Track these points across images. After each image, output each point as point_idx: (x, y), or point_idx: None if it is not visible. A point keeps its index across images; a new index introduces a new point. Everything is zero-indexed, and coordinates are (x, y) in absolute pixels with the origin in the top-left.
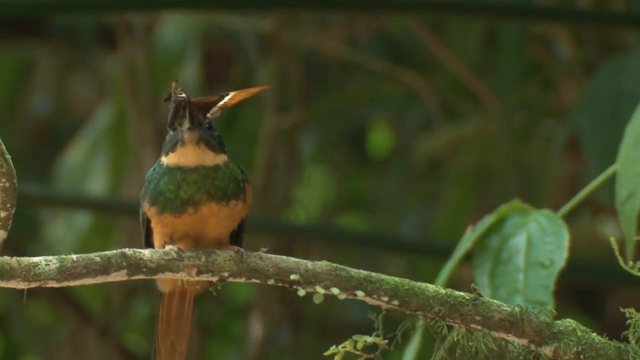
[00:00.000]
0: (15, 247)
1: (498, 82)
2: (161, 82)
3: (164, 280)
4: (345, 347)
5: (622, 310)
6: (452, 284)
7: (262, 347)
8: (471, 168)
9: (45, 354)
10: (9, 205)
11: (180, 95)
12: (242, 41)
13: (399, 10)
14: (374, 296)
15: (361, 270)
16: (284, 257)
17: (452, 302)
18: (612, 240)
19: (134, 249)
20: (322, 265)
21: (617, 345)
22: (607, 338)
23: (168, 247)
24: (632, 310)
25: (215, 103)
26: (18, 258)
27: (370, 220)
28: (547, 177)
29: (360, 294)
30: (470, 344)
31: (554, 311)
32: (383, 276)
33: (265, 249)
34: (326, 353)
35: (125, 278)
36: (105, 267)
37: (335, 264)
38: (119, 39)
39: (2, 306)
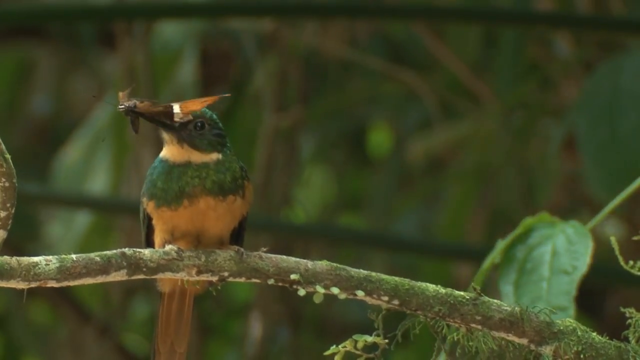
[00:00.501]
0: (15, 247)
1: (497, 82)
2: (160, 81)
3: (164, 280)
4: (345, 346)
5: (622, 310)
6: (452, 284)
7: (262, 347)
8: (471, 167)
9: (45, 354)
10: (8, 205)
11: (120, 106)
12: (242, 40)
13: (398, 17)
14: (374, 296)
15: (361, 270)
16: (284, 256)
17: (452, 301)
18: (612, 240)
19: (134, 249)
20: (322, 264)
21: (617, 345)
22: (607, 338)
23: (168, 247)
24: (632, 310)
25: (161, 113)
26: (18, 258)
27: (369, 220)
28: (547, 176)
29: (360, 293)
30: (470, 343)
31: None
32: (383, 276)
33: (265, 249)
34: (326, 353)
35: (125, 278)
36: (105, 267)
37: (335, 264)
38: (119, 38)
39: (2, 306)
